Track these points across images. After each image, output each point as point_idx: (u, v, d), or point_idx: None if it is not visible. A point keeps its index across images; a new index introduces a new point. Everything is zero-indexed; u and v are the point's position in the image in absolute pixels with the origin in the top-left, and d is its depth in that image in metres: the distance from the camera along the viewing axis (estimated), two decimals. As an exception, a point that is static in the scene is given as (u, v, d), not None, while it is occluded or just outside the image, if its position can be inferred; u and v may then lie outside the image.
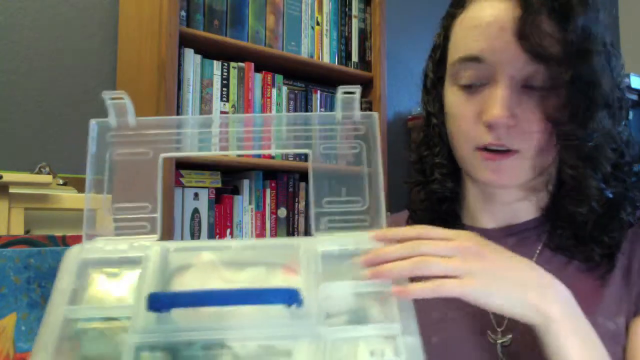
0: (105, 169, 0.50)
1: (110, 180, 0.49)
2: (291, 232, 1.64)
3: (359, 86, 0.51)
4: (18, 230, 1.10)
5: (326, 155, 0.52)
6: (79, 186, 1.32)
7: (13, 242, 0.68)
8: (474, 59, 0.59)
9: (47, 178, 1.18)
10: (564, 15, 0.55)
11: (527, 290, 0.46)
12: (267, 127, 0.53)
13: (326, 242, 0.48)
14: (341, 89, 0.50)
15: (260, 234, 1.56)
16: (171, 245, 0.48)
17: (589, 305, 0.56)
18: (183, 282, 0.46)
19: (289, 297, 0.42)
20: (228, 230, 1.50)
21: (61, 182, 1.28)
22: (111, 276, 0.47)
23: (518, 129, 0.57)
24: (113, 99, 0.49)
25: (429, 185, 0.70)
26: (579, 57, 0.55)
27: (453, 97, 0.62)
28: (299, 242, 0.49)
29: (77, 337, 0.43)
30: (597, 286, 0.58)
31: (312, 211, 0.50)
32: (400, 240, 0.46)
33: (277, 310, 0.43)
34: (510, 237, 0.64)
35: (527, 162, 0.59)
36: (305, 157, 1.64)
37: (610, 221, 0.59)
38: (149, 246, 0.47)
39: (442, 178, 0.68)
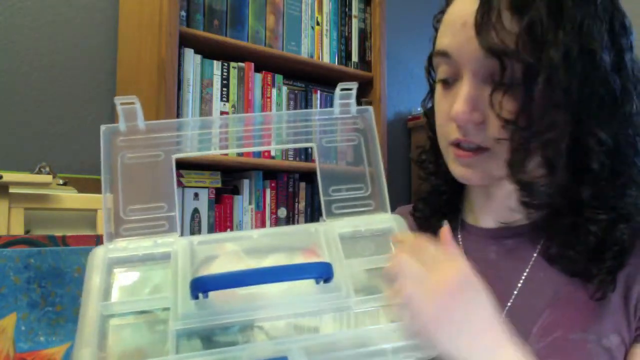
0: (118, 173, 0.51)
1: (123, 183, 0.51)
2: (291, 232, 1.64)
3: (355, 83, 0.55)
4: (18, 230, 1.10)
5: (328, 148, 0.56)
6: (79, 186, 1.32)
7: (13, 242, 0.68)
8: (443, 54, 0.59)
9: (47, 178, 1.18)
10: (522, 6, 0.53)
11: None
12: (273, 125, 0.56)
13: (340, 225, 0.52)
14: (340, 86, 0.54)
15: (260, 234, 1.57)
16: (195, 239, 0.50)
17: (583, 320, 0.55)
18: (211, 272, 0.47)
19: (323, 270, 0.45)
20: (228, 230, 1.50)
21: (61, 182, 1.28)
22: (139, 272, 0.48)
23: (486, 125, 0.56)
24: (123, 104, 0.50)
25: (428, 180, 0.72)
26: (533, 51, 0.52)
27: (437, 93, 0.63)
28: (315, 226, 0.52)
29: (114, 332, 0.44)
30: (593, 300, 0.55)
31: (322, 199, 0.54)
32: None
33: (306, 288, 0.45)
34: (508, 239, 0.64)
35: (498, 159, 0.57)
36: (305, 157, 1.64)
37: (611, 243, 0.55)
38: (174, 241, 0.49)
39: (426, 176, 0.72)
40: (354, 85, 0.55)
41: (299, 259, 0.50)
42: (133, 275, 0.48)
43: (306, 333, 0.45)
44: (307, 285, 0.46)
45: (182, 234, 0.51)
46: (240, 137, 0.55)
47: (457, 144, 0.59)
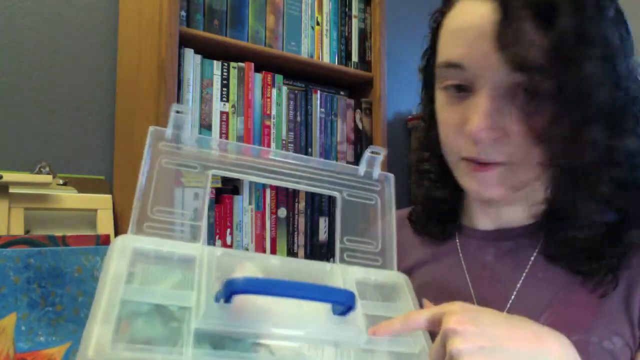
0: (153, 174, 0.53)
1: (156, 184, 0.53)
2: (291, 232, 1.64)
3: (384, 149, 0.60)
4: (18, 230, 1.10)
5: (350, 201, 0.60)
6: (79, 186, 1.32)
7: (13, 242, 0.69)
8: (456, 66, 0.56)
9: (47, 178, 1.18)
10: (548, 19, 0.49)
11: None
12: (306, 166, 0.60)
13: (353, 271, 0.57)
14: (370, 149, 0.59)
15: (260, 234, 1.56)
16: (217, 250, 0.52)
17: (583, 322, 0.55)
18: None
19: (349, 298, 0.47)
20: (228, 231, 1.50)
21: (61, 182, 1.28)
22: (161, 267, 0.49)
23: (504, 140, 0.54)
24: (178, 112, 0.53)
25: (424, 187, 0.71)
26: (566, 65, 0.49)
27: (440, 101, 0.60)
28: (331, 265, 0.56)
29: (127, 317, 0.44)
30: (594, 301, 0.55)
31: (337, 245, 0.58)
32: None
33: (322, 318, 0.48)
34: (506, 241, 0.63)
35: (514, 174, 0.56)
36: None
37: (613, 242, 0.55)
38: (199, 247, 0.51)
39: (430, 185, 0.70)
40: (382, 152, 0.59)
41: None
42: (154, 269, 0.48)
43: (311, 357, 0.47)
44: (323, 315, 0.48)
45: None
46: (272, 170, 0.58)
47: (471, 159, 0.57)
